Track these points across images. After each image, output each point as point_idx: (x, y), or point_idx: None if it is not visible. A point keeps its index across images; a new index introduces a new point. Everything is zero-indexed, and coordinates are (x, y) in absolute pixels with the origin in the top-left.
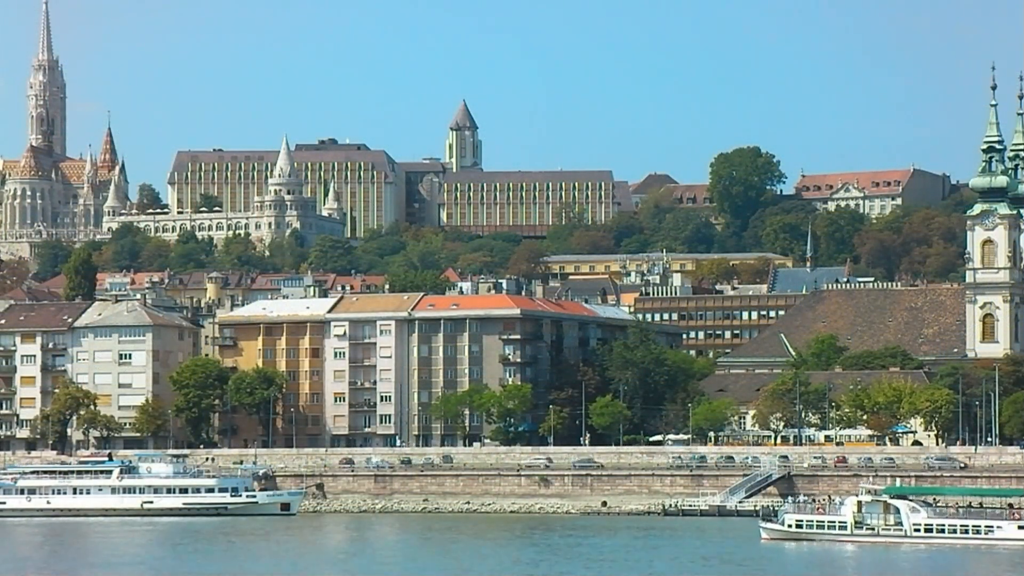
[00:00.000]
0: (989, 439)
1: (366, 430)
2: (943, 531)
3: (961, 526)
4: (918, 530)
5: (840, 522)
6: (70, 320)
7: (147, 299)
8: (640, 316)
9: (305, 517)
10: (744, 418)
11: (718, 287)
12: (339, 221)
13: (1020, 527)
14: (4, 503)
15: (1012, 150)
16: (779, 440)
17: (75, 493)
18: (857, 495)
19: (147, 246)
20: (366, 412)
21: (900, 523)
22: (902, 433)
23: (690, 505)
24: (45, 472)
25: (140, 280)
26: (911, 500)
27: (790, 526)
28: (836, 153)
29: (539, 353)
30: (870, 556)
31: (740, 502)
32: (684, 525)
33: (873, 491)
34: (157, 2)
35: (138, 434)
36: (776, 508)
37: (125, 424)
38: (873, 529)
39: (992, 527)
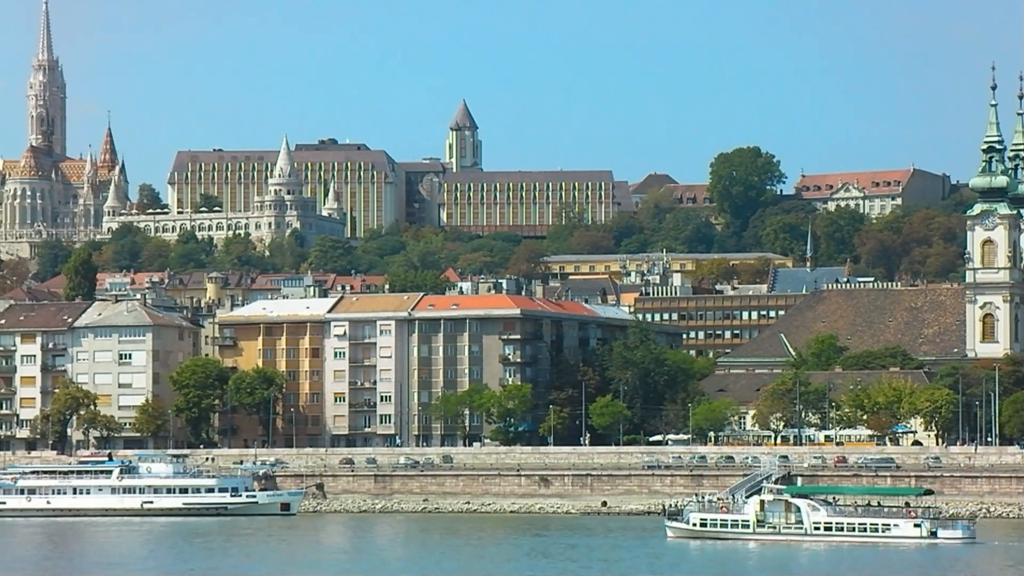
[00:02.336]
0: (989, 439)
1: (366, 430)
2: (842, 529)
3: (859, 524)
4: (818, 528)
5: (743, 521)
6: (70, 320)
7: (147, 299)
8: (640, 316)
9: (305, 517)
10: (744, 418)
11: (718, 287)
12: (339, 221)
13: (916, 525)
14: (4, 503)
15: (1012, 150)
16: (779, 440)
17: (75, 493)
18: (760, 494)
19: (147, 246)
20: (366, 412)
21: (801, 522)
22: (902, 433)
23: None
24: (45, 472)
25: (140, 280)
26: (812, 499)
27: (695, 525)
28: (836, 153)
29: (539, 353)
30: (768, 553)
31: None
32: (606, 524)
33: (775, 490)
34: (157, 3)
35: (138, 434)
36: (681, 507)
37: (125, 424)
38: (775, 528)
39: (889, 525)
